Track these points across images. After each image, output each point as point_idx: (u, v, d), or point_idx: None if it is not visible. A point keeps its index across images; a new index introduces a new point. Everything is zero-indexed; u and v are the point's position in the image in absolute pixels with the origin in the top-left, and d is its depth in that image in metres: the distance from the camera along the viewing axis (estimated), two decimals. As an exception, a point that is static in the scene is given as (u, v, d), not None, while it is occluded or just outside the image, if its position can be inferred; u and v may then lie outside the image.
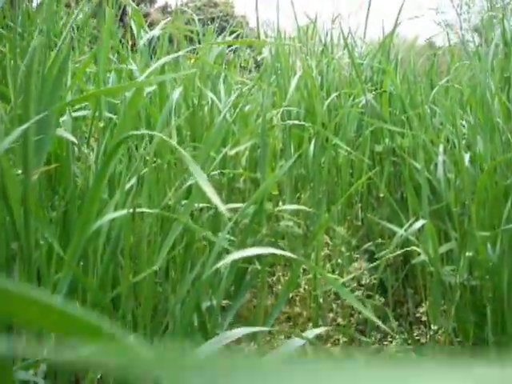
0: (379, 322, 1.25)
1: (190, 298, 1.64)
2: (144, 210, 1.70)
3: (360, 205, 2.93)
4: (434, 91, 3.31)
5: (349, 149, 2.52)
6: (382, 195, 2.88)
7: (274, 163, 2.70)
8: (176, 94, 2.50)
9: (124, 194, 1.65)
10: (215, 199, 0.93)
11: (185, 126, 2.86)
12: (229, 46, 3.71)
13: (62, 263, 1.57)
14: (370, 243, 2.97)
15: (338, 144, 2.63)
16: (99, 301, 1.60)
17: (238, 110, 2.53)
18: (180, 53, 2.03)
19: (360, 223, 3.02)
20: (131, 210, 1.58)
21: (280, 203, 2.62)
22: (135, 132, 1.62)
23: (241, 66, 3.82)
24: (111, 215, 1.56)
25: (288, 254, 1.04)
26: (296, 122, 2.67)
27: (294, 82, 2.66)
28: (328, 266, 2.38)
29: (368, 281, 2.42)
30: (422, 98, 3.23)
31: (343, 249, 2.47)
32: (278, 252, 1.03)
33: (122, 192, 1.64)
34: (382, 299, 2.62)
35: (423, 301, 2.75)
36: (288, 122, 2.59)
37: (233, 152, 2.21)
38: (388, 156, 2.97)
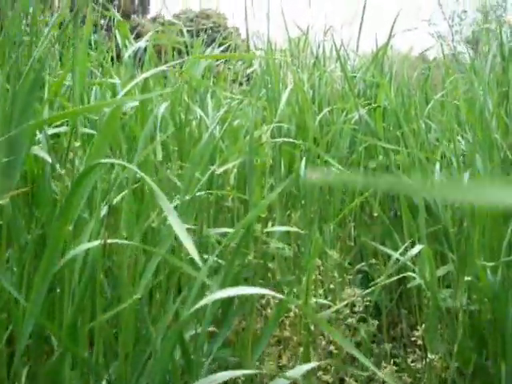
0: (370, 364, 1.13)
1: (171, 332, 1.52)
2: (117, 240, 1.58)
3: (353, 224, 2.82)
4: (429, 106, 3.22)
5: (341, 167, 2.41)
6: (375, 214, 2.77)
7: (263, 181, 2.59)
8: (162, 108, 2.40)
9: (99, 222, 1.54)
10: (190, 248, 0.81)
11: (172, 141, 2.76)
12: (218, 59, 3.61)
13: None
14: (363, 263, 2.87)
15: (330, 161, 2.52)
16: (71, 342, 1.48)
17: (226, 125, 2.43)
18: (163, 67, 1.91)
19: (353, 242, 2.92)
20: (105, 241, 1.46)
21: (269, 223, 2.51)
22: (104, 161, 1.49)
23: (232, 80, 3.71)
24: (83, 246, 1.44)
25: (275, 294, 0.92)
26: (286, 139, 2.56)
27: (284, 97, 2.55)
28: (320, 291, 2.26)
29: (361, 308, 2.31)
30: (417, 112, 3.14)
31: (335, 274, 2.36)
32: (265, 292, 0.92)
33: (97, 218, 1.52)
34: (376, 322, 2.51)
35: (418, 322, 2.65)
36: (278, 139, 2.48)
37: (220, 170, 2.10)
38: (382, 173, 2.86)
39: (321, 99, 3.31)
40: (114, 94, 2.34)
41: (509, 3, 26.30)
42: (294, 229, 2.27)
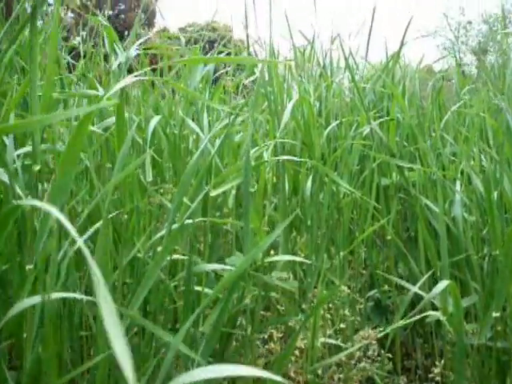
0: None
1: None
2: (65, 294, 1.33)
3: (364, 250, 2.58)
4: (446, 117, 2.97)
5: (351, 189, 2.17)
6: (389, 237, 2.52)
7: (263, 205, 2.35)
8: (152, 123, 2.17)
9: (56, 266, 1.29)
10: (126, 369, 0.57)
11: (166, 158, 2.53)
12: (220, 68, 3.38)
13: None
14: (374, 291, 2.63)
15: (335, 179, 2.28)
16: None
17: (221, 141, 2.20)
18: (136, 77, 1.66)
19: (363, 265, 2.68)
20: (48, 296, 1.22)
21: (272, 247, 2.28)
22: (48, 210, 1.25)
23: (234, 91, 3.47)
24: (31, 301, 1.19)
25: (275, 377, 0.69)
26: (290, 157, 2.31)
27: (288, 110, 2.31)
28: (330, 331, 2.02)
29: (376, 353, 2.06)
30: (435, 125, 2.90)
31: (347, 312, 2.11)
32: (261, 374, 0.69)
33: (53, 263, 1.28)
34: (389, 356, 2.26)
35: (434, 353, 2.42)
36: (281, 157, 2.24)
37: (215, 193, 1.86)
38: (396, 193, 2.62)
39: (328, 112, 3.06)
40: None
41: None
42: (298, 258, 2.02)
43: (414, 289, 1.89)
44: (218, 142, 2.23)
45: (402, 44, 3.21)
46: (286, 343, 2.17)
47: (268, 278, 1.95)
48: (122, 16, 31.97)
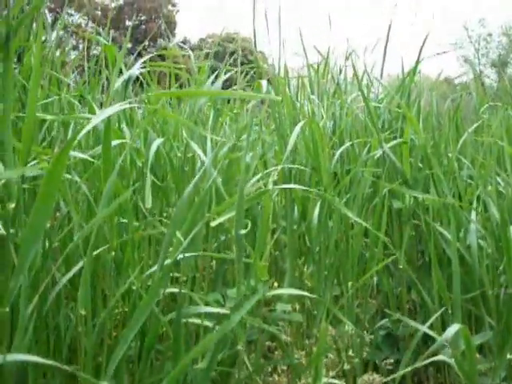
0: None
1: None
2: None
3: (375, 279, 2.47)
4: (463, 140, 2.86)
5: (360, 220, 2.06)
6: (400, 266, 2.42)
7: (272, 223, 2.25)
8: (154, 145, 2.07)
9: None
10: None
11: (170, 182, 2.44)
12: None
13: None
14: (385, 320, 2.52)
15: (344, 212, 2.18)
16: None
17: (225, 165, 2.11)
18: (122, 106, 1.57)
19: (375, 293, 2.58)
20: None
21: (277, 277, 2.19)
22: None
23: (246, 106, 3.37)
24: None
25: None
26: (295, 186, 2.21)
27: (294, 134, 2.21)
28: (332, 373, 1.91)
29: (383, 398, 1.96)
30: (451, 148, 2.79)
31: (351, 352, 2.01)
32: None
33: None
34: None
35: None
36: (286, 186, 2.14)
37: (215, 223, 1.76)
38: (409, 218, 2.51)
39: (342, 131, 2.96)
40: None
41: None
42: (304, 293, 1.91)
43: (424, 328, 1.79)
44: (223, 164, 2.15)
45: (418, 62, 3.11)
46: (291, 375, 2.07)
47: (271, 315, 1.86)
48: (143, 26, 32.12)
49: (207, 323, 1.80)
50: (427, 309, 2.36)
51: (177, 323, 1.56)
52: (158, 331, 1.69)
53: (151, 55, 2.38)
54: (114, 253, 1.67)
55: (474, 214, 2.23)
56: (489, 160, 2.48)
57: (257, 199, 1.98)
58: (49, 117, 1.98)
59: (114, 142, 1.76)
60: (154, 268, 1.55)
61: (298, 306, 2.22)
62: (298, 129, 2.23)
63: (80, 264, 1.57)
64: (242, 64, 3.13)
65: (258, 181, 2.08)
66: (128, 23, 29.56)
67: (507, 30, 25.57)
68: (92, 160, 1.84)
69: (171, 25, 30.52)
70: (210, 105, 2.73)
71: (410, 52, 3.50)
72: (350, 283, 2.22)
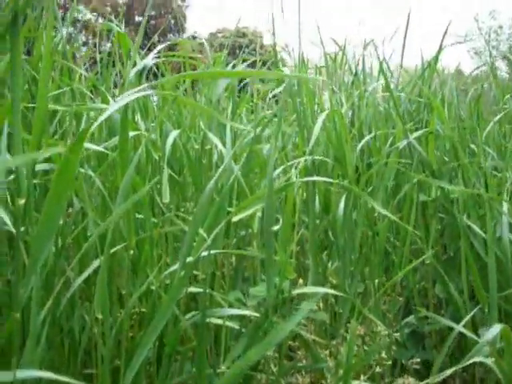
0: None
1: None
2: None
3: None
4: (488, 129, 2.76)
5: (389, 214, 1.95)
6: (427, 262, 2.32)
7: (294, 218, 2.16)
8: (171, 137, 1.98)
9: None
10: None
11: (187, 175, 2.34)
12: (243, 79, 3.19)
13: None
14: (411, 317, 2.42)
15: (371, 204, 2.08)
16: None
17: (246, 158, 2.01)
18: (139, 93, 1.46)
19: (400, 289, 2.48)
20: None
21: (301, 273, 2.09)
22: None
23: (262, 100, 3.27)
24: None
25: None
26: (320, 178, 2.11)
27: (318, 124, 2.11)
28: (364, 377, 1.81)
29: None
30: (476, 138, 2.68)
31: (383, 355, 1.91)
32: None
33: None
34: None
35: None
36: (310, 178, 2.04)
37: (237, 218, 1.67)
38: (435, 212, 2.41)
39: (361, 123, 2.86)
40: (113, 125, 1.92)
41: None
42: (330, 290, 1.81)
43: (459, 328, 1.69)
44: (242, 159, 2.06)
45: (441, 49, 3.00)
46: (314, 375, 1.98)
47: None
48: (153, 22, 32.02)
49: (229, 323, 1.72)
50: (454, 305, 2.27)
51: (201, 325, 1.47)
52: (179, 333, 1.60)
53: (164, 45, 2.28)
54: (131, 251, 1.58)
55: (505, 205, 2.13)
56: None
57: (282, 192, 1.88)
58: (60, 108, 1.89)
59: (130, 134, 1.67)
60: (175, 266, 1.46)
61: (321, 304, 2.13)
62: (321, 119, 2.13)
63: (96, 263, 1.48)
64: (244, 62, 3.03)
65: (282, 173, 1.99)
66: (138, 19, 29.53)
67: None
68: (107, 152, 1.75)
69: (180, 20, 30.42)
70: (227, 96, 2.64)
71: (421, 44, 3.41)
72: (376, 280, 2.13)
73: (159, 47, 2.28)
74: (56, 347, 1.54)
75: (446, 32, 3.04)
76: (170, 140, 1.96)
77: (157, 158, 2.03)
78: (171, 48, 3.14)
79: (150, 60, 2.06)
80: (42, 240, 1.05)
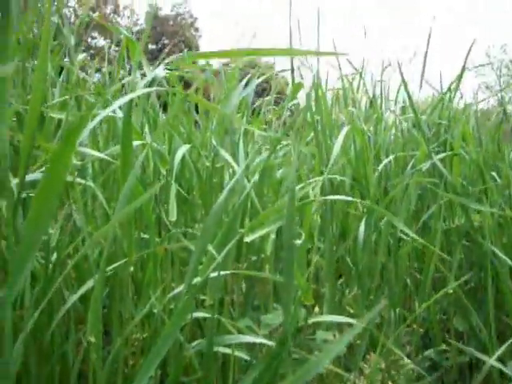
0: None
1: None
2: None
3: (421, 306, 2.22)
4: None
5: (416, 237, 1.81)
6: (450, 291, 2.17)
7: (310, 244, 2.02)
8: (179, 153, 1.85)
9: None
10: None
11: (196, 194, 2.21)
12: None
13: None
14: (431, 350, 2.28)
15: (396, 225, 1.93)
16: None
17: (260, 176, 1.88)
18: (147, 89, 1.32)
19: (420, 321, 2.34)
20: None
21: (316, 305, 1.95)
22: None
23: (275, 122, 3.14)
24: None
25: None
26: (342, 197, 1.97)
27: (339, 141, 1.98)
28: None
29: None
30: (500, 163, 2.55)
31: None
32: None
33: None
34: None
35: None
36: (331, 197, 1.90)
37: (250, 239, 1.53)
38: (460, 239, 2.27)
39: (379, 147, 2.72)
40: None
41: None
42: (348, 319, 1.67)
43: (491, 361, 1.55)
44: (255, 177, 1.92)
45: (463, 70, 2.88)
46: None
47: (312, 343, 1.62)
48: (166, 50, 31.96)
49: (238, 353, 1.58)
50: (475, 337, 2.13)
51: (207, 354, 1.32)
52: (183, 362, 1.46)
53: (174, 57, 2.16)
54: (132, 269, 1.45)
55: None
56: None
57: (299, 211, 1.74)
58: (56, 115, 1.76)
59: (135, 143, 1.54)
60: (179, 289, 1.32)
61: (337, 333, 1.99)
62: (342, 135, 2.00)
63: (92, 282, 1.35)
64: (264, 90, 2.91)
65: (301, 190, 1.85)
66: (151, 47, 29.58)
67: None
68: (111, 160, 1.62)
69: (194, 49, 30.51)
70: (240, 114, 2.51)
71: (440, 68, 3.30)
72: (398, 309, 1.99)
73: (170, 58, 2.17)
74: (45, 376, 1.40)
75: (468, 54, 2.93)
76: (178, 155, 1.84)
77: (164, 172, 1.90)
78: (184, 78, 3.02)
79: (161, 71, 1.94)
80: (26, 249, 0.91)
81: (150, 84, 1.80)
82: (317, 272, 2.27)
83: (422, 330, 2.26)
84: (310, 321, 1.60)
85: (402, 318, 2.15)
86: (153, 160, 1.90)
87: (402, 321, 2.16)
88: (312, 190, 1.86)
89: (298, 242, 1.72)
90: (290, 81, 2.45)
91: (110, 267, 1.38)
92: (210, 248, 1.30)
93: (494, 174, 2.52)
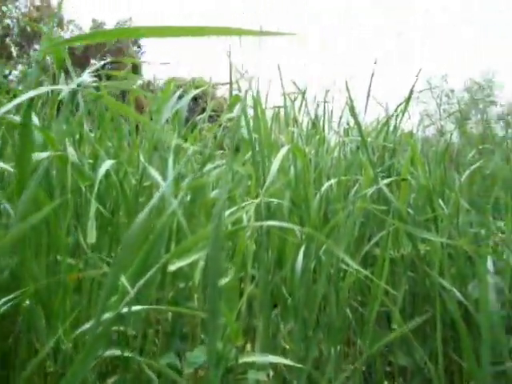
0: None
1: None
2: None
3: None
4: (462, 180, 2.51)
5: (360, 269, 1.64)
6: (395, 327, 2.02)
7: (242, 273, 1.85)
8: (102, 169, 1.67)
9: None
10: None
11: (123, 215, 2.03)
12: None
13: None
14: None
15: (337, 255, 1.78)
16: None
17: (188, 196, 1.71)
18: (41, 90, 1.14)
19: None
20: None
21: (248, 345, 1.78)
22: None
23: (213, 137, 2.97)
24: None
25: None
26: (279, 223, 1.78)
27: (278, 158, 1.81)
28: None
29: None
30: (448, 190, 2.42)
31: None
32: None
33: None
34: None
35: None
36: (267, 222, 1.73)
37: (175, 267, 1.35)
38: (406, 269, 2.12)
39: (320, 170, 2.55)
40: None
41: (496, 84, 26.67)
42: (283, 360, 1.50)
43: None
44: (186, 197, 1.75)
45: (411, 93, 2.76)
46: None
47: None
48: (109, 66, 31.69)
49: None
50: (420, 373, 2.00)
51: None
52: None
53: (104, 62, 2.00)
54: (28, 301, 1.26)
55: (490, 262, 1.85)
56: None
57: (230, 238, 1.57)
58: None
59: (43, 154, 1.35)
60: (87, 325, 1.14)
61: (271, 372, 1.82)
62: (281, 154, 1.83)
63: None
64: (204, 109, 2.76)
65: (235, 213, 1.67)
66: (93, 62, 29.35)
67: (471, 85, 26.06)
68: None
69: (136, 67, 30.30)
70: (172, 126, 2.33)
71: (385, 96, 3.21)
72: (338, 346, 1.82)
73: (94, 67, 2.00)
74: None
75: (412, 90, 2.82)
76: (101, 170, 1.66)
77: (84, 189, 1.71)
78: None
79: (86, 76, 1.78)
80: None
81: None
82: (251, 303, 2.10)
83: (363, 366, 2.10)
84: (241, 361, 1.42)
85: (342, 354, 1.99)
86: (73, 175, 1.71)
87: (344, 357, 2.01)
88: (246, 213, 1.69)
89: (230, 271, 1.55)
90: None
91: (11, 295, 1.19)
92: (123, 279, 1.11)
93: (441, 201, 2.39)
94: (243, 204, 1.75)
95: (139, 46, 33.83)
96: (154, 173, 1.76)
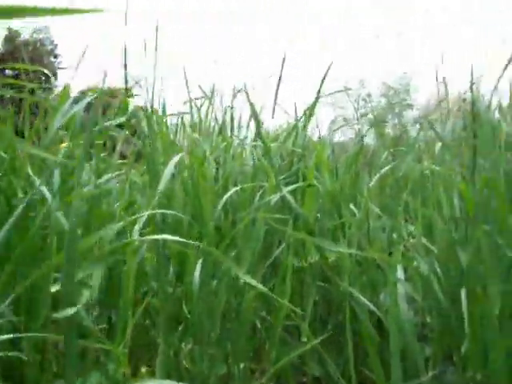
0: None
1: None
2: None
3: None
4: (372, 184, 2.44)
5: (259, 285, 1.55)
6: (305, 339, 1.92)
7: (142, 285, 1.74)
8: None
9: None
10: None
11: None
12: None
13: None
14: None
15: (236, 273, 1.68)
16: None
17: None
18: None
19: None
20: None
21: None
22: None
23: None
24: None
25: None
26: (170, 237, 1.66)
27: (169, 168, 1.70)
28: None
29: None
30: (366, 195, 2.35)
31: None
32: None
33: None
34: None
35: None
36: (158, 236, 1.61)
37: (55, 288, 1.23)
38: (314, 279, 2.03)
39: (227, 177, 2.45)
40: None
41: (411, 87, 27.26)
42: (178, 384, 1.38)
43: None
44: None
45: (317, 100, 2.68)
46: None
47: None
48: (23, 77, 30.92)
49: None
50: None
51: None
52: None
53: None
54: None
55: (400, 271, 1.77)
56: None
57: (115, 254, 1.45)
58: None
59: None
60: None
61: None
62: (172, 163, 1.72)
63: None
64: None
65: (121, 230, 1.55)
66: (7, 72, 28.73)
67: (387, 90, 26.52)
68: None
69: (50, 79, 29.78)
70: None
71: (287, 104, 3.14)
72: (242, 364, 1.72)
73: None
74: None
75: (322, 83, 2.74)
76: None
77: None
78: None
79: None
80: None
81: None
82: (152, 318, 1.98)
83: (274, 379, 2.01)
84: (135, 384, 1.31)
85: (249, 370, 1.89)
86: None
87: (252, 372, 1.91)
88: (137, 225, 1.57)
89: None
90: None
91: None
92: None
93: (352, 206, 2.32)
94: (135, 216, 1.64)
95: (55, 56, 33.25)
96: (37, 182, 1.64)
